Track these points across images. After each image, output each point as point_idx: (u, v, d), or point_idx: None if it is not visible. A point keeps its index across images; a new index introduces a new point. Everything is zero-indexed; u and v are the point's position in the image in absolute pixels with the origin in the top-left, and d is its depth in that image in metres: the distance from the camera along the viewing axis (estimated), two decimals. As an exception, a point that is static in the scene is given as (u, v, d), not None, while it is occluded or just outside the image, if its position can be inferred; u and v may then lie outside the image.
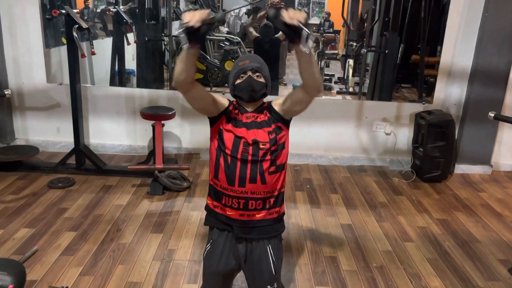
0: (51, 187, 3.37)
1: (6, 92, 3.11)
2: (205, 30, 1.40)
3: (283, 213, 1.76)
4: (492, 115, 2.75)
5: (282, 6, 5.56)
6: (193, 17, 1.37)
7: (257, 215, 1.66)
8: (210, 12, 1.41)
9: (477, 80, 3.85)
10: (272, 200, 1.67)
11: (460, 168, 4.06)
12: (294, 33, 1.39)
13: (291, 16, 1.37)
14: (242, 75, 1.65)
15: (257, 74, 1.66)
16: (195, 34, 1.38)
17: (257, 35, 4.79)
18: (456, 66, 3.97)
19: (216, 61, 5.63)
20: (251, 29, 5.02)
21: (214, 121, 1.68)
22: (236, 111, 1.68)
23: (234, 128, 1.63)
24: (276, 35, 4.73)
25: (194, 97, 1.62)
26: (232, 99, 1.72)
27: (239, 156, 1.60)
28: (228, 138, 1.62)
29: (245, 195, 1.62)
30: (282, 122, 1.68)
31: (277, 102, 1.71)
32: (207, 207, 1.76)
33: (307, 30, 1.37)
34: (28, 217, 2.91)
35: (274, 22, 1.43)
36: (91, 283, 2.28)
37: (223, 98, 1.70)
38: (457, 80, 4.00)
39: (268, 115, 1.68)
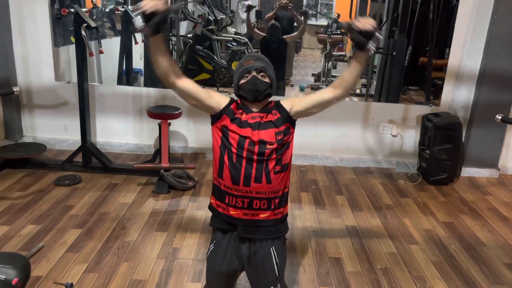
0: (57, 184, 3.40)
1: (14, 90, 3.13)
2: (158, 19, 1.48)
3: (287, 214, 1.74)
4: (500, 117, 2.73)
5: (290, 6, 5.57)
6: (148, 4, 1.46)
7: (261, 215, 1.65)
8: (166, 3, 1.50)
9: (485, 83, 3.82)
10: (277, 200, 1.66)
11: (467, 171, 4.04)
12: (366, 38, 1.53)
13: (363, 23, 1.51)
14: (246, 75, 1.64)
15: (262, 74, 1.64)
16: (148, 20, 1.48)
17: (264, 34, 4.79)
18: (464, 68, 3.95)
19: (223, 61, 5.65)
20: (256, 30, 5.04)
21: (215, 119, 1.66)
22: (241, 110, 1.65)
23: (238, 128, 1.61)
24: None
25: (184, 92, 1.64)
26: (235, 97, 1.72)
27: (244, 154, 1.59)
28: (233, 138, 1.61)
29: (250, 195, 1.61)
30: (289, 122, 1.66)
31: (288, 101, 1.69)
32: (210, 206, 1.74)
33: (379, 33, 1.53)
34: (34, 214, 2.94)
35: (350, 33, 1.56)
36: (95, 280, 2.30)
37: (223, 96, 1.69)
38: (465, 82, 3.98)
39: (278, 115, 1.65)
